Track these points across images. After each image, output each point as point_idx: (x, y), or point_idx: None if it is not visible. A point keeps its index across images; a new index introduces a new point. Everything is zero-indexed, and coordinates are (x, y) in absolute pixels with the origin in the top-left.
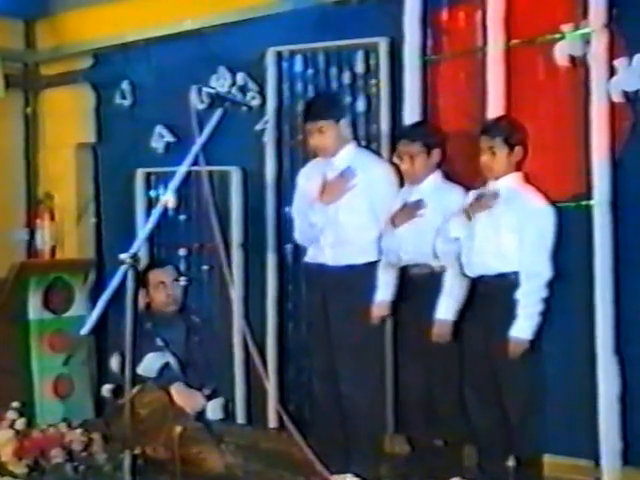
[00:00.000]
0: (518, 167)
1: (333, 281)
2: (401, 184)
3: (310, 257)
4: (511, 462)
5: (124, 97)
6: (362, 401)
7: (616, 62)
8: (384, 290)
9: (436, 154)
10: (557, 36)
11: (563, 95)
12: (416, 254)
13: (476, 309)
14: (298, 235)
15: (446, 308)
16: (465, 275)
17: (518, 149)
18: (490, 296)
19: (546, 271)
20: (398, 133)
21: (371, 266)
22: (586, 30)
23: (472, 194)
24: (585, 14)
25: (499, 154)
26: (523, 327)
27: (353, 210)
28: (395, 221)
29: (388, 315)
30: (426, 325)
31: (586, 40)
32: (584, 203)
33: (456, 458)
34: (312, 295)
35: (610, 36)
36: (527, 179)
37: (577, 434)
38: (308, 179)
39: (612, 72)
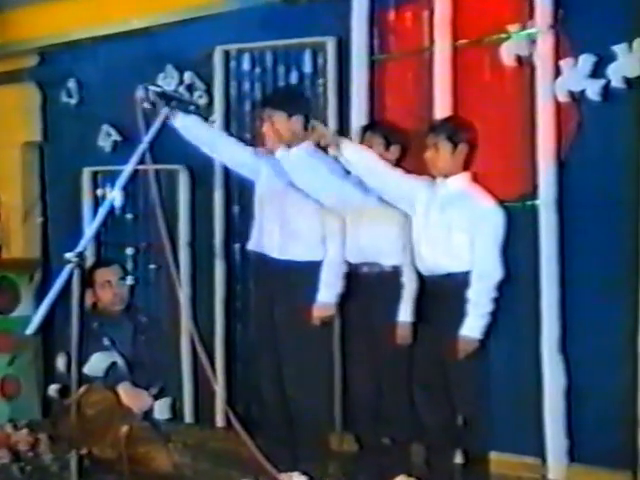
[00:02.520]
0: (466, 167)
1: (279, 277)
2: None
3: (254, 245)
4: (458, 459)
5: (70, 96)
6: (309, 402)
7: (562, 62)
8: (326, 291)
9: (394, 150)
10: (503, 36)
11: (509, 95)
12: (368, 252)
13: (426, 308)
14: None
15: (406, 309)
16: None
17: (462, 147)
18: (440, 295)
19: (497, 271)
20: (365, 127)
21: (318, 265)
22: (532, 30)
23: (421, 187)
24: (531, 14)
25: (442, 150)
26: (473, 326)
27: (301, 208)
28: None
29: (330, 317)
30: (375, 324)
31: (532, 40)
32: (530, 203)
33: (403, 456)
34: (259, 290)
35: (556, 37)
36: (475, 179)
37: (523, 432)
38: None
39: (558, 72)
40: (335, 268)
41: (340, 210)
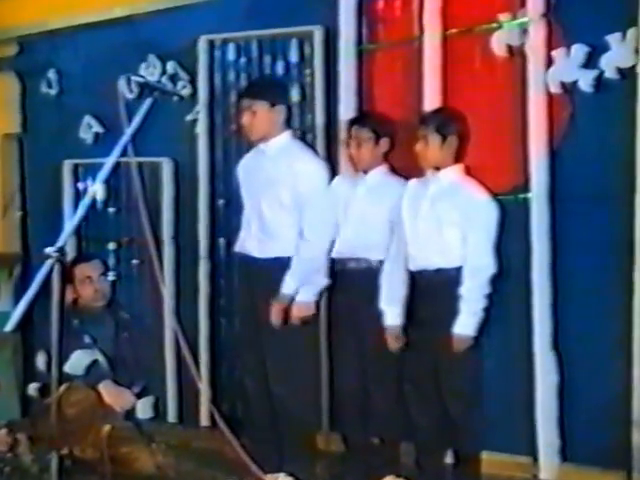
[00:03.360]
0: (458, 159)
1: (261, 274)
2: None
3: (238, 246)
4: (449, 459)
5: (50, 86)
6: (295, 400)
7: (554, 52)
8: (305, 289)
9: (383, 144)
10: (494, 25)
11: (501, 85)
12: (355, 247)
13: (417, 304)
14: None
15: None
16: (407, 270)
17: (451, 139)
18: (431, 291)
19: (490, 266)
20: (351, 119)
21: None
22: (524, 19)
23: (411, 184)
24: (523, 3)
25: (431, 143)
26: (467, 324)
27: (277, 205)
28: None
29: (310, 316)
30: (363, 321)
31: (524, 30)
32: (522, 196)
33: (392, 456)
34: (242, 288)
35: (548, 26)
36: (467, 172)
37: (515, 430)
38: (245, 170)
39: (550, 62)
40: (313, 264)
41: (322, 202)
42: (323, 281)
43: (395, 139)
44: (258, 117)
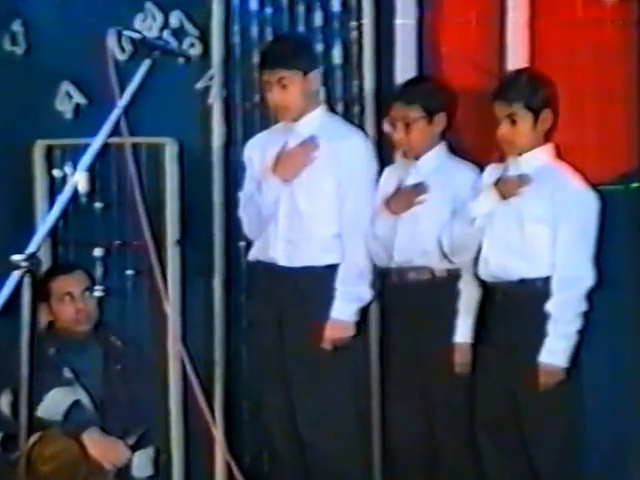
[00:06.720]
0: (547, 137)
1: (288, 289)
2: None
3: (255, 254)
4: None
5: (16, 42)
6: (333, 451)
7: None
8: (342, 304)
9: (440, 120)
10: None
11: (608, 39)
12: (413, 253)
13: (491, 326)
14: (246, 227)
15: (464, 327)
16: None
17: (546, 113)
18: (511, 308)
19: (588, 277)
20: (391, 94)
21: (335, 269)
22: None
23: (489, 170)
24: None
25: (521, 123)
26: (557, 350)
27: (315, 194)
28: (392, 208)
29: (346, 339)
30: (423, 347)
31: None
32: (636, 185)
33: None
34: (263, 308)
35: None
36: (559, 153)
37: None
38: (263, 151)
39: None
40: (356, 272)
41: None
42: (366, 294)
43: (454, 110)
44: (290, 91)
